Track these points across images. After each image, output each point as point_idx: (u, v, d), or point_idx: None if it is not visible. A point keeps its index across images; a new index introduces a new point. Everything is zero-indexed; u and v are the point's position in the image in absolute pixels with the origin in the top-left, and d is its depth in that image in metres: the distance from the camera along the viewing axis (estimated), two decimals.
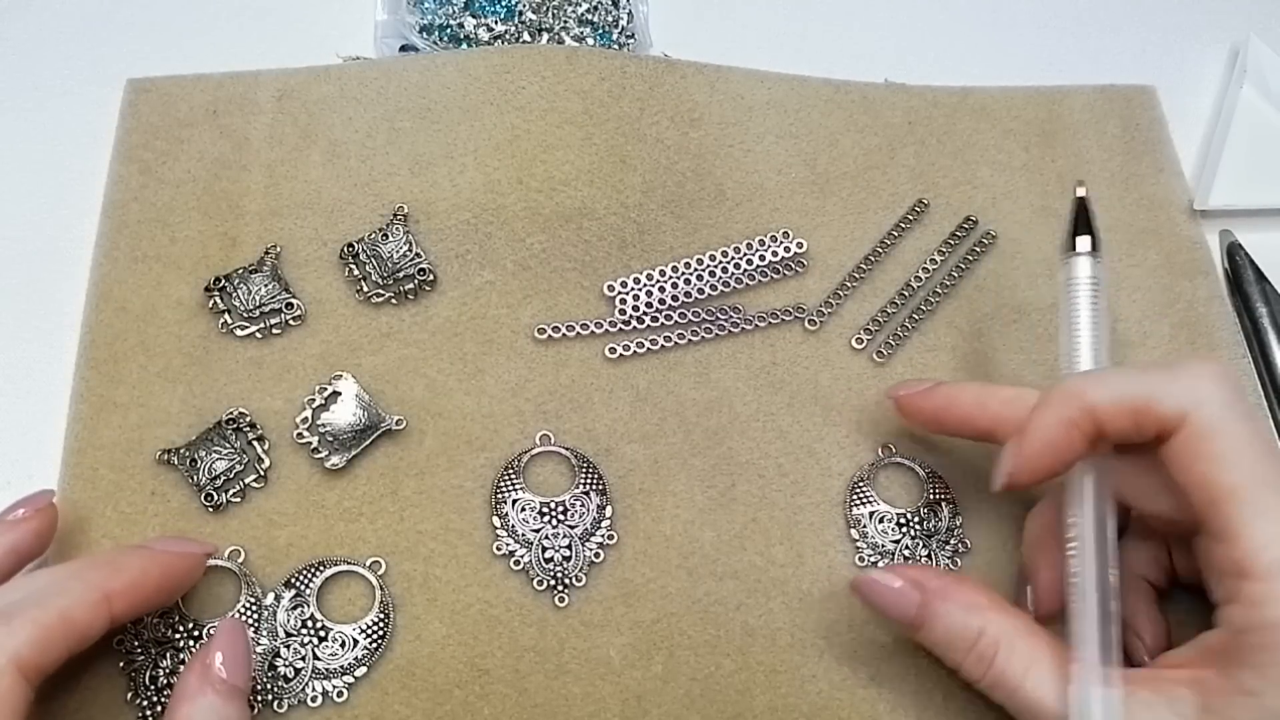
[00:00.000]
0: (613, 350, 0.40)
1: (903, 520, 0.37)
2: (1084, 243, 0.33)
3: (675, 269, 0.41)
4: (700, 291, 0.41)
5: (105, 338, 0.39)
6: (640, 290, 0.41)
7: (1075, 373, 0.32)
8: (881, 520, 0.37)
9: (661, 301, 0.41)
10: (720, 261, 0.42)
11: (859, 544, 0.36)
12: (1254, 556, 0.27)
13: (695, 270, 0.41)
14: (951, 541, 0.37)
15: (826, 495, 0.38)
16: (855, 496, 0.37)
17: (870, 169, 0.44)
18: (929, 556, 0.36)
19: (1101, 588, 0.29)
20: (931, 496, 0.37)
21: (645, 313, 0.40)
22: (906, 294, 0.41)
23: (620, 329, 0.40)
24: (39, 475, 0.37)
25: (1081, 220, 0.33)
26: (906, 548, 0.36)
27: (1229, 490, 0.28)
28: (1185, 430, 0.28)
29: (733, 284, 0.41)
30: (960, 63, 0.48)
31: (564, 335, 0.40)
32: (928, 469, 0.38)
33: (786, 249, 0.42)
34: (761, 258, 0.42)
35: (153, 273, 0.40)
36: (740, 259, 0.42)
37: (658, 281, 0.41)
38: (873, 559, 0.36)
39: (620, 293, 0.41)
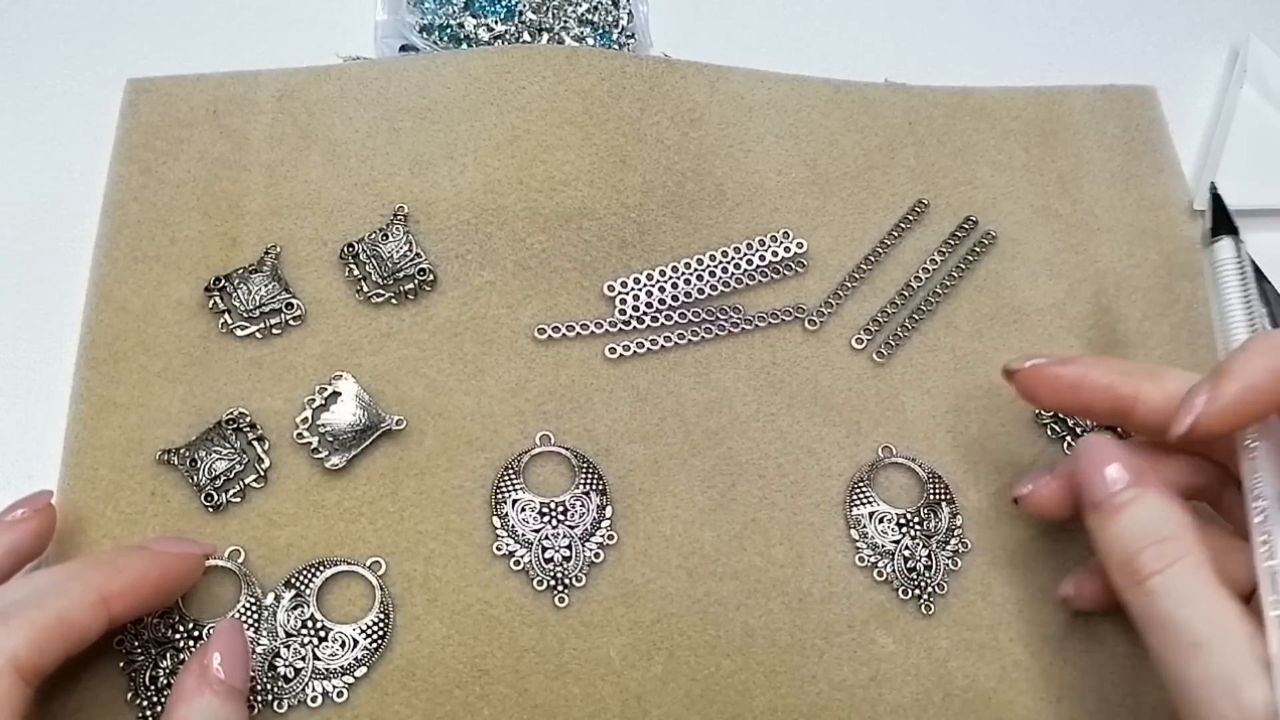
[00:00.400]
0: (613, 350, 0.40)
1: (903, 520, 0.37)
2: (1226, 241, 0.36)
3: (675, 269, 0.41)
4: (700, 292, 0.41)
5: (105, 338, 0.39)
6: (640, 290, 0.41)
7: (1271, 330, 0.33)
8: (881, 520, 0.37)
9: (662, 302, 0.41)
10: (720, 262, 0.42)
11: (859, 544, 0.36)
12: None
13: (695, 270, 0.41)
14: (951, 542, 0.37)
15: (826, 495, 0.38)
16: (855, 497, 0.37)
17: (870, 169, 0.44)
18: (929, 557, 0.36)
19: None
20: (931, 496, 0.37)
21: (645, 313, 0.40)
22: (906, 294, 0.41)
23: (620, 329, 0.40)
24: (39, 475, 0.36)
25: (1220, 212, 0.37)
26: (906, 548, 0.36)
27: None
28: None
29: (733, 284, 0.41)
30: (960, 63, 0.48)
31: (564, 335, 0.40)
32: (927, 469, 0.38)
33: (787, 249, 0.42)
34: (761, 258, 0.42)
35: (153, 273, 0.40)
36: (740, 259, 0.42)
37: (658, 282, 0.41)
38: (872, 559, 0.36)
39: (620, 293, 0.41)
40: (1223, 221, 0.37)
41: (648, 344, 0.40)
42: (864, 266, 0.42)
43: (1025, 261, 0.42)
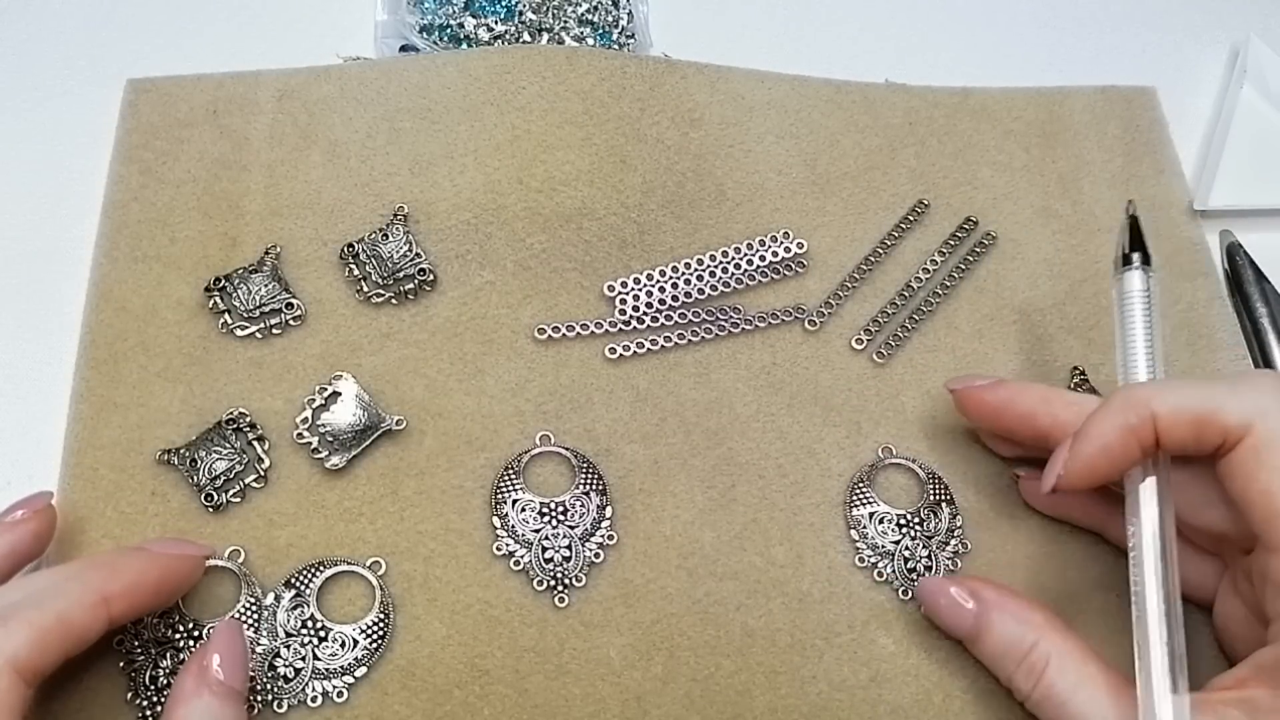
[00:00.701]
0: (613, 350, 0.40)
1: (903, 521, 0.37)
2: (1137, 258, 0.34)
3: (675, 269, 0.41)
4: (700, 292, 0.41)
5: (105, 338, 0.39)
6: (640, 290, 0.41)
7: (1135, 381, 0.32)
8: (881, 521, 0.37)
9: (662, 302, 0.41)
10: (720, 262, 0.42)
11: (859, 545, 0.36)
12: None
13: (695, 270, 0.41)
14: (951, 542, 0.37)
15: (826, 496, 0.38)
16: (855, 497, 0.37)
17: (871, 169, 0.44)
18: (929, 557, 0.36)
19: (1167, 593, 0.29)
20: (931, 497, 0.37)
21: (645, 313, 0.40)
22: (907, 294, 0.41)
23: (620, 329, 0.40)
24: (39, 475, 0.36)
25: (1135, 236, 0.34)
26: (906, 549, 0.36)
27: None
28: (1248, 441, 0.28)
29: (733, 284, 0.41)
30: (960, 63, 0.48)
31: (564, 335, 0.40)
32: (928, 470, 0.38)
33: (787, 249, 0.42)
34: (762, 258, 0.42)
35: (153, 273, 0.40)
36: (740, 259, 0.42)
37: (658, 282, 0.41)
38: (872, 560, 0.36)
39: (620, 293, 0.41)
40: (1137, 247, 0.34)
41: (648, 344, 0.40)
42: (864, 267, 0.42)
43: (1025, 262, 0.42)
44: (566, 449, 0.38)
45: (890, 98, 0.46)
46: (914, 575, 0.36)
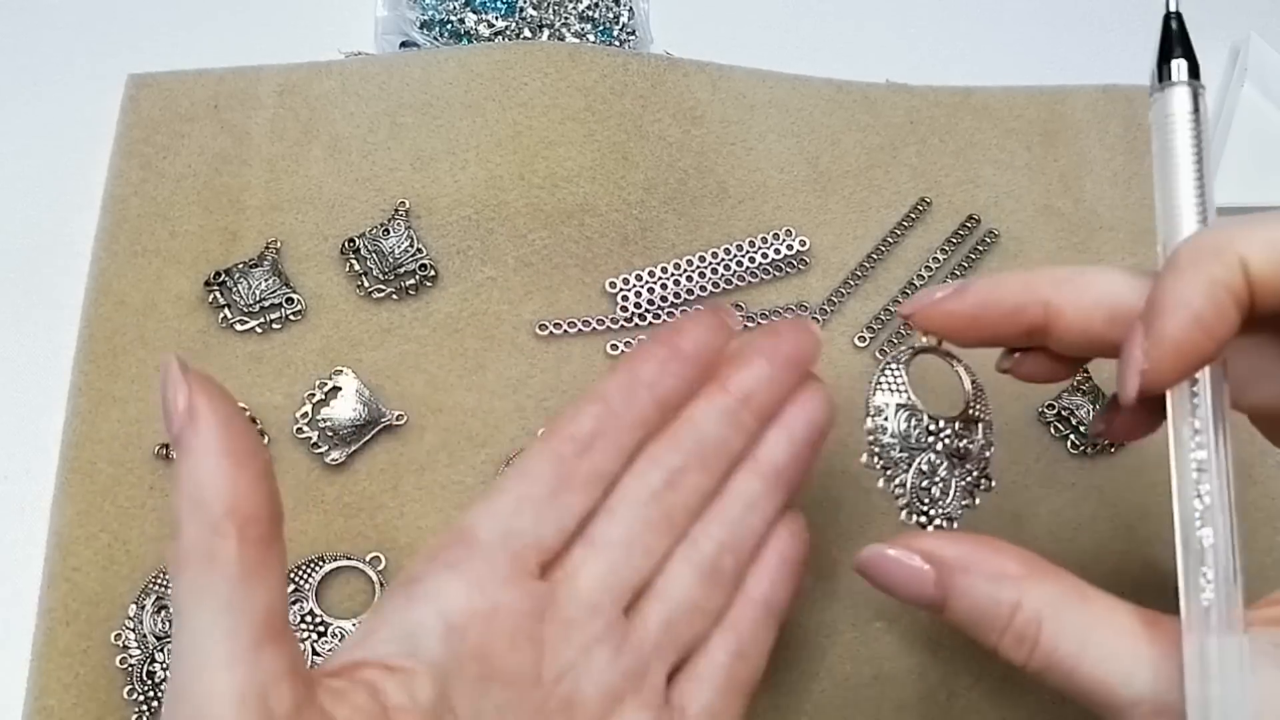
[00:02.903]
0: (614, 347, 0.39)
1: (933, 427, 0.29)
2: (1180, 69, 0.25)
3: (677, 266, 0.41)
4: (702, 289, 0.41)
5: (105, 332, 0.38)
6: (642, 287, 0.41)
7: (1203, 229, 0.24)
8: (910, 418, 0.29)
9: (663, 299, 0.40)
10: (722, 259, 0.41)
11: (872, 440, 0.29)
12: None
13: (697, 268, 0.41)
14: (975, 472, 0.29)
15: (828, 494, 0.37)
16: (885, 380, 0.29)
17: (872, 168, 0.44)
18: (947, 483, 0.29)
19: (1228, 513, 0.23)
20: (971, 413, 0.30)
21: (647, 310, 0.40)
22: (909, 292, 0.41)
23: (622, 326, 0.40)
24: (37, 469, 0.36)
25: (1176, 40, 0.26)
26: (928, 462, 0.29)
27: None
28: None
29: (735, 281, 0.41)
30: (962, 63, 0.48)
31: (565, 332, 0.40)
32: (975, 378, 0.30)
33: (789, 247, 0.42)
34: (764, 255, 0.42)
35: (153, 267, 0.40)
36: (742, 256, 0.42)
37: (660, 279, 0.41)
38: (880, 464, 0.29)
39: (622, 289, 0.40)
40: (1182, 54, 0.25)
41: None
42: (866, 265, 0.42)
43: (1027, 260, 0.42)
44: None
45: (891, 97, 0.46)
46: (928, 498, 0.28)
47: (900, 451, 0.29)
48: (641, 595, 0.27)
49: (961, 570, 0.25)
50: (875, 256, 0.42)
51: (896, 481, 0.29)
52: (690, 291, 0.41)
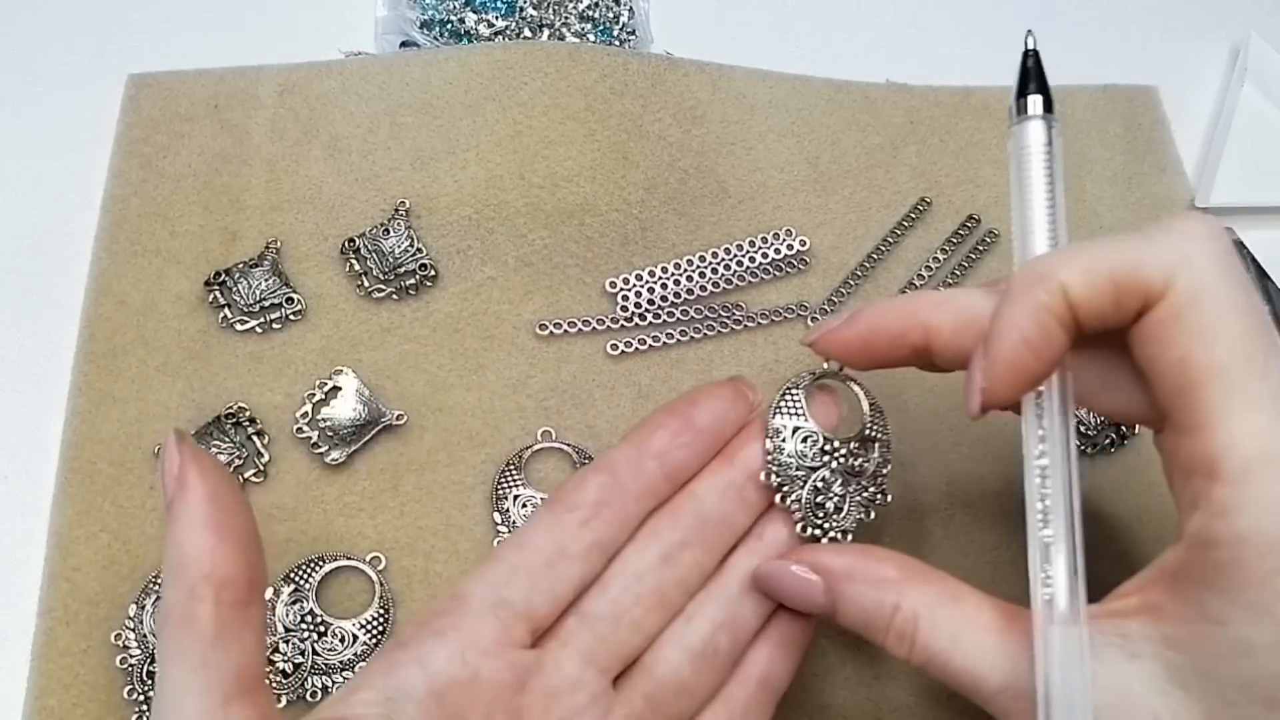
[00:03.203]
0: (615, 347, 0.39)
1: (829, 447, 0.30)
2: (1035, 103, 0.27)
3: (678, 266, 0.41)
4: (702, 289, 0.41)
5: (104, 332, 0.38)
6: (642, 287, 0.41)
7: (1034, 259, 0.26)
8: (805, 439, 0.30)
9: (664, 298, 0.40)
10: (722, 259, 0.41)
11: (771, 460, 0.30)
12: (1226, 453, 0.22)
13: (697, 267, 0.41)
14: (871, 489, 0.31)
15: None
16: (784, 404, 0.30)
17: (872, 167, 0.44)
18: (841, 499, 0.30)
19: (1069, 511, 0.25)
20: (868, 433, 0.31)
21: (647, 310, 0.40)
22: (908, 292, 0.41)
23: (622, 326, 0.40)
24: (37, 469, 0.36)
25: (1032, 77, 0.28)
26: (822, 479, 0.30)
27: (1207, 371, 0.23)
28: (1168, 300, 0.23)
29: (735, 281, 0.41)
30: (962, 63, 0.48)
31: (566, 331, 0.40)
32: (873, 400, 0.32)
33: (789, 246, 0.42)
34: (764, 255, 0.42)
35: (153, 267, 0.40)
36: (743, 256, 0.42)
37: (660, 278, 0.41)
38: (778, 483, 0.29)
39: (622, 289, 0.40)
40: (1037, 90, 0.27)
41: (650, 341, 0.40)
42: (866, 264, 0.42)
43: None
44: (568, 445, 0.37)
45: (891, 97, 0.46)
46: (820, 514, 0.30)
47: (796, 470, 0.30)
48: (632, 668, 0.27)
49: (847, 578, 0.27)
50: (875, 256, 0.42)
51: (793, 498, 0.30)
52: (690, 291, 0.41)
